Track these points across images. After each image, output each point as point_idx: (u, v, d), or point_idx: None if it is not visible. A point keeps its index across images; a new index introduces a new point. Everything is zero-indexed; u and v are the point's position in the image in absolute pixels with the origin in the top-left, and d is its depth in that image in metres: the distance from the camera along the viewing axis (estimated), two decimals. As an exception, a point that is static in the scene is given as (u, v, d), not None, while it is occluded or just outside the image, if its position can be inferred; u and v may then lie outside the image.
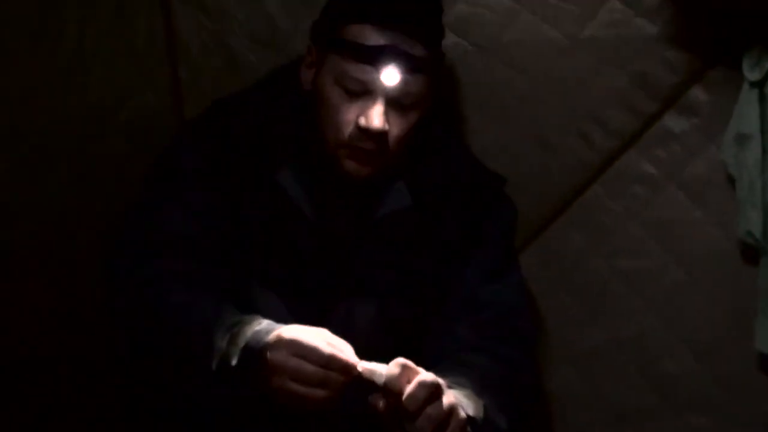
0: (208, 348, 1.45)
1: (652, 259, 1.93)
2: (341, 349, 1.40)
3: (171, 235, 1.61)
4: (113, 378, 1.88)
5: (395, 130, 1.61)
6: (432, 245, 1.70)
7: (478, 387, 1.54)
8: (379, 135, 1.59)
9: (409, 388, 1.35)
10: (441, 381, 1.40)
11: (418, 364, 1.49)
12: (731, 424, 1.89)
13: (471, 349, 1.65)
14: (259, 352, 1.40)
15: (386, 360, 1.61)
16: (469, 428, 1.45)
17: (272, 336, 1.40)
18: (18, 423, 1.86)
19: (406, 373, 1.36)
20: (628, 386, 1.96)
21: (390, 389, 1.36)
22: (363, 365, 1.39)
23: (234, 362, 1.42)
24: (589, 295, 1.99)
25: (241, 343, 1.42)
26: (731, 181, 1.82)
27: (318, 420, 1.57)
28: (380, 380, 1.37)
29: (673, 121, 1.88)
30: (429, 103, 1.66)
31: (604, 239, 1.96)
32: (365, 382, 1.38)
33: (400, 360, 1.37)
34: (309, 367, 1.36)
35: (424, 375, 1.37)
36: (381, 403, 1.37)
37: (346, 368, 1.38)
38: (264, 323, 1.46)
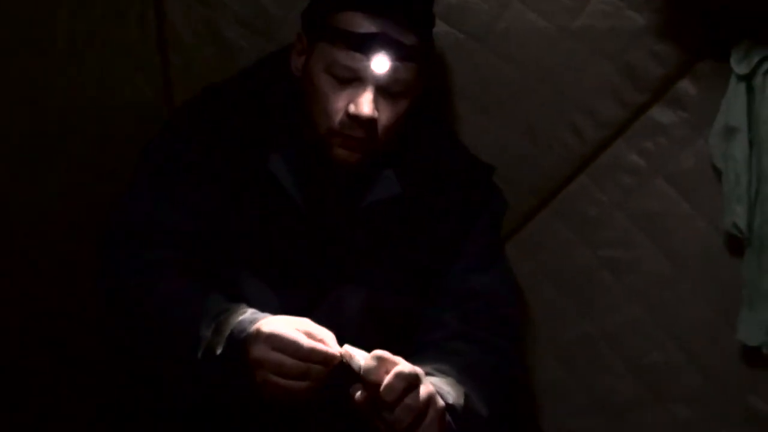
0: (194, 337, 1.46)
1: (638, 251, 1.94)
2: (323, 338, 1.41)
3: (159, 224, 1.62)
4: (108, 374, 1.89)
5: (384, 118, 1.62)
6: (421, 233, 1.70)
7: (461, 375, 1.56)
8: (369, 122, 1.59)
9: (386, 379, 1.36)
10: (419, 371, 1.41)
11: (405, 353, 1.51)
12: (716, 416, 1.89)
13: (457, 338, 1.67)
14: (241, 343, 1.42)
15: (374, 348, 1.63)
16: (448, 416, 1.46)
17: (254, 328, 1.42)
18: (14, 422, 1.87)
19: (383, 364, 1.37)
20: (613, 377, 1.97)
21: (368, 380, 1.37)
22: (345, 348, 1.40)
23: (219, 351, 1.43)
24: (574, 286, 2.00)
25: (226, 332, 1.44)
26: (718, 173, 1.82)
27: (305, 411, 1.58)
28: (357, 367, 1.38)
29: (661, 114, 1.89)
30: (418, 91, 1.67)
31: (590, 230, 1.97)
32: (345, 368, 1.40)
33: (378, 352, 1.38)
34: (289, 361, 1.38)
35: (402, 366, 1.38)
36: (359, 394, 1.38)
37: (327, 359, 1.39)
38: (248, 312, 1.47)
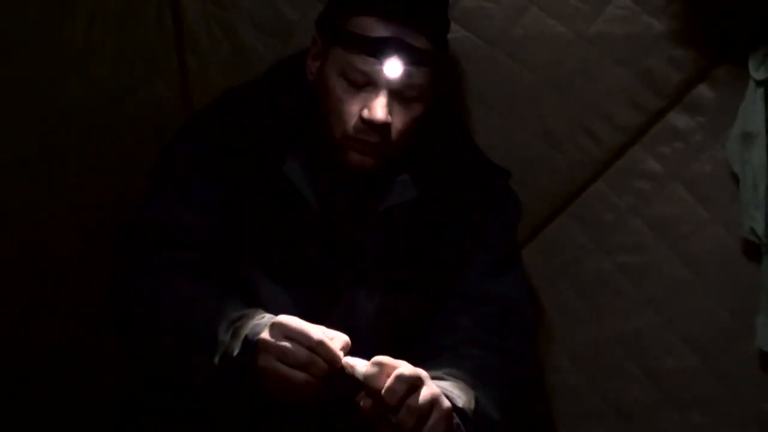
0: (212, 342, 1.47)
1: (654, 256, 1.93)
2: (334, 338, 1.42)
3: (176, 226, 1.63)
4: (115, 376, 1.89)
5: (398, 123, 1.62)
6: (436, 238, 1.70)
7: (472, 379, 1.56)
8: (382, 127, 1.59)
9: (387, 383, 1.37)
10: (422, 372, 1.42)
11: (418, 357, 1.52)
12: (731, 422, 1.88)
13: (472, 342, 1.67)
14: (256, 341, 1.42)
15: (388, 352, 1.63)
16: (458, 419, 1.47)
17: (271, 321, 1.44)
18: (20, 421, 1.89)
19: (384, 369, 1.39)
20: (628, 382, 1.96)
21: (370, 387, 1.38)
22: (345, 359, 1.42)
23: (235, 353, 1.44)
24: (590, 291, 1.99)
25: (242, 335, 1.45)
26: (735, 179, 1.82)
27: (310, 417, 1.59)
28: (360, 376, 1.40)
29: (678, 119, 1.88)
30: (433, 95, 1.67)
31: (606, 235, 1.97)
32: (346, 377, 1.41)
33: (378, 358, 1.40)
34: (295, 348, 1.39)
35: (403, 368, 1.39)
36: (365, 401, 1.40)
37: (332, 357, 1.40)
38: (266, 317, 1.48)
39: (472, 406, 1.51)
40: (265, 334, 1.42)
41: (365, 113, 1.59)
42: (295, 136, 1.68)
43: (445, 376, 1.53)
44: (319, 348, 1.40)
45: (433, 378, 1.50)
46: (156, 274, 1.59)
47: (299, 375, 1.40)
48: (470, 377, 1.57)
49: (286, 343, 1.40)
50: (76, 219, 1.89)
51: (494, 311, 1.70)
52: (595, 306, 1.99)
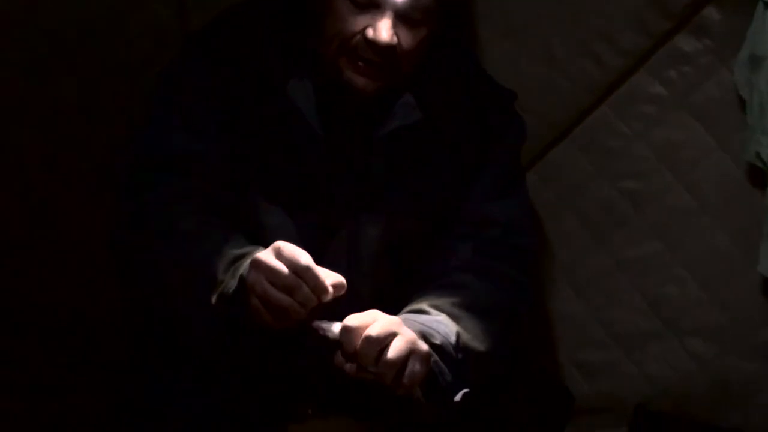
0: (211, 280, 1.46)
1: (658, 183, 1.92)
2: (326, 274, 1.41)
3: (176, 153, 1.60)
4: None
5: (404, 45, 1.58)
6: (440, 160, 1.68)
7: (458, 310, 1.56)
8: (387, 49, 1.56)
9: (359, 346, 1.38)
10: (394, 321, 1.43)
11: (418, 283, 1.51)
12: (732, 350, 1.89)
13: (469, 269, 1.65)
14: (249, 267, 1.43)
15: (390, 278, 1.62)
16: (435, 356, 1.47)
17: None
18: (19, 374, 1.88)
19: (356, 332, 1.39)
20: (629, 309, 1.96)
21: (345, 350, 1.40)
22: (316, 322, 1.42)
23: (231, 291, 1.43)
24: (593, 217, 1.98)
25: (239, 274, 1.44)
26: (742, 104, 1.80)
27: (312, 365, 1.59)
28: (333, 337, 1.41)
29: (685, 42, 1.86)
30: (439, 18, 1.63)
31: (610, 161, 1.95)
32: (321, 339, 1.42)
33: (347, 322, 1.40)
34: (284, 270, 1.38)
35: (372, 327, 1.39)
36: (342, 362, 1.41)
37: (318, 285, 1.39)
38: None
39: (452, 340, 1.51)
40: (260, 255, 1.41)
41: (369, 33, 1.55)
42: (297, 58, 1.65)
43: (427, 309, 1.53)
44: (306, 273, 1.38)
45: (415, 311, 1.51)
46: (157, 204, 1.57)
47: (284, 298, 1.39)
48: (457, 308, 1.56)
49: (276, 263, 1.39)
50: (73, 142, 1.87)
51: (495, 235, 1.68)
52: (598, 233, 1.98)
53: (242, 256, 1.46)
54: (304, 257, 1.39)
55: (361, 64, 1.58)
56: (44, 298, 1.91)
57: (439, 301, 1.56)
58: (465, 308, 1.57)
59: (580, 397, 2.02)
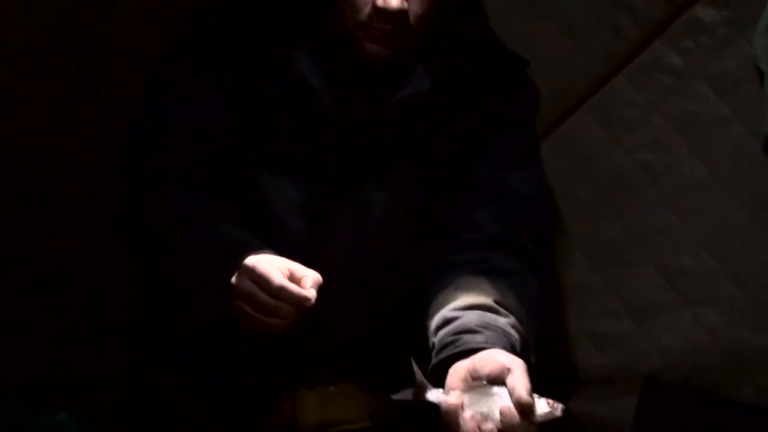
0: (203, 264, 1.50)
1: (673, 154, 1.90)
2: (302, 278, 1.43)
3: (180, 126, 1.60)
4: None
5: (415, 10, 1.57)
6: (451, 130, 1.66)
7: (516, 304, 1.54)
8: (398, 15, 1.55)
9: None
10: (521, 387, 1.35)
11: (435, 252, 1.57)
12: (745, 322, 1.88)
13: (493, 244, 1.63)
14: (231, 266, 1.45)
15: (399, 248, 1.62)
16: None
17: (243, 260, 1.45)
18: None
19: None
20: (642, 280, 1.95)
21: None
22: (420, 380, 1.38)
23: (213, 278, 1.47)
24: (607, 188, 1.97)
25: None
26: (760, 75, 1.78)
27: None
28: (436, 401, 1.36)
29: (703, 12, 1.83)
30: None
31: (625, 131, 1.94)
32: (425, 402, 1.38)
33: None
34: (261, 295, 1.41)
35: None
36: None
37: (296, 300, 1.41)
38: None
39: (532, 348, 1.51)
40: (235, 279, 1.44)
41: (379, 2, 1.54)
42: (303, 28, 1.64)
43: (497, 308, 1.51)
44: (281, 294, 1.41)
45: (484, 308, 1.50)
46: (153, 182, 1.58)
47: (270, 320, 1.43)
48: (514, 301, 1.54)
49: (252, 288, 1.42)
50: (72, 109, 1.88)
51: (509, 208, 1.66)
52: (612, 203, 1.98)
53: (237, 249, 1.48)
54: (275, 277, 1.41)
55: (376, 33, 1.57)
56: (55, 272, 1.93)
57: (499, 296, 1.53)
58: (520, 301, 1.56)
59: (592, 367, 2.03)
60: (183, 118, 1.60)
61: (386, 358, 1.62)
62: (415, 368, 1.39)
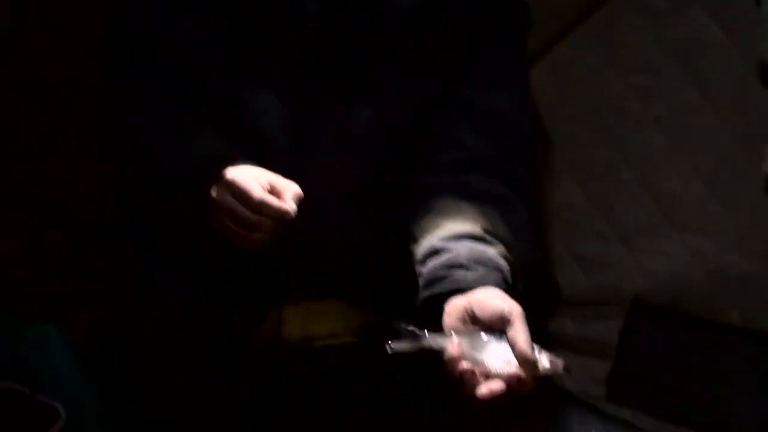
0: (183, 179, 1.49)
1: (668, 79, 1.89)
2: (282, 191, 1.42)
3: (161, 32, 1.58)
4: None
5: None
6: (437, 45, 1.62)
7: (505, 231, 1.53)
8: None
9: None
10: (522, 336, 1.32)
11: (418, 171, 1.54)
12: (732, 247, 1.88)
13: (478, 165, 1.61)
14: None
15: (383, 162, 1.61)
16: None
17: (222, 172, 1.44)
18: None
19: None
20: (631, 203, 1.96)
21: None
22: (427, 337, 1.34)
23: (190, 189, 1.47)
24: (600, 111, 1.97)
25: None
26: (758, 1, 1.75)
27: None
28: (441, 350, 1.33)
29: (702, -65, 1.81)
30: None
31: (620, 54, 1.92)
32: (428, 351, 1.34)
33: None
34: (241, 210, 1.41)
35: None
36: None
37: (277, 213, 1.40)
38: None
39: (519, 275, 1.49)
40: (214, 193, 1.43)
41: None
42: None
43: (486, 237, 1.49)
44: (262, 208, 1.40)
45: (473, 237, 1.48)
46: (141, 87, 1.58)
47: (251, 235, 1.43)
48: (502, 229, 1.52)
49: (233, 203, 1.41)
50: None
51: (494, 128, 1.63)
52: (604, 127, 1.97)
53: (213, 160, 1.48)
54: (255, 191, 1.40)
55: None
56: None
57: (487, 223, 1.52)
58: (508, 228, 1.54)
59: (578, 290, 2.05)
60: (169, 27, 1.58)
61: (371, 275, 1.63)
62: (401, 325, 1.35)
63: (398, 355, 1.33)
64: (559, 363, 1.31)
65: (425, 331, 1.34)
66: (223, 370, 1.66)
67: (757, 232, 1.86)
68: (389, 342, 1.33)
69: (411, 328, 1.34)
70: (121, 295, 1.68)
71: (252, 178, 1.42)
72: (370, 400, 1.81)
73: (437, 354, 1.32)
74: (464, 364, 1.30)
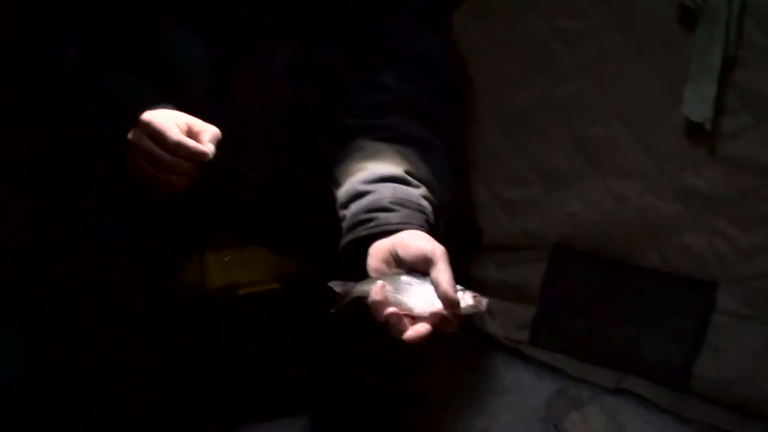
0: (100, 116, 1.47)
1: (591, 22, 1.89)
2: (200, 132, 1.40)
3: None
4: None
5: None
6: None
7: (427, 174, 1.51)
8: None
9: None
10: (444, 278, 1.30)
11: (339, 114, 1.51)
12: (653, 191, 1.90)
13: (399, 106, 1.58)
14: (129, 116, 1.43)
15: (303, 106, 1.59)
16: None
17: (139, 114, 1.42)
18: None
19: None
20: (554, 147, 1.97)
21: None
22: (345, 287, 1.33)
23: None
24: (523, 54, 1.96)
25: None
26: (679, -57, 1.76)
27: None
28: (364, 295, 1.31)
29: None
30: None
31: (544, -2, 1.91)
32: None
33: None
34: (157, 151, 1.39)
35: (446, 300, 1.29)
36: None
37: (193, 155, 1.38)
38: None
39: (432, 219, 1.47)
40: (131, 135, 1.41)
41: None
42: None
43: (409, 180, 1.47)
44: (178, 150, 1.38)
45: (396, 179, 1.46)
46: (58, 30, 1.53)
47: (168, 177, 1.41)
48: (424, 172, 1.50)
49: (149, 144, 1.39)
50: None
51: (416, 71, 1.60)
52: (527, 70, 1.96)
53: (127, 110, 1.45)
54: (172, 133, 1.38)
55: None
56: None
57: (409, 166, 1.50)
58: (430, 170, 1.52)
59: (502, 234, 2.05)
60: None
61: (292, 220, 1.61)
62: (333, 284, 1.33)
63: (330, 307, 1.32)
64: (483, 301, 1.30)
65: (348, 283, 1.33)
66: (147, 317, 1.63)
67: (677, 176, 1.88)
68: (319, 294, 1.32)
69: (341, 286, 1.33)
70: (41, 243, 1.63)
71: (169, 120, 1.40)
72: (294, 347, 1.80)
73: (362, 300, 1.31)
74: (389, 309, 1.29)
